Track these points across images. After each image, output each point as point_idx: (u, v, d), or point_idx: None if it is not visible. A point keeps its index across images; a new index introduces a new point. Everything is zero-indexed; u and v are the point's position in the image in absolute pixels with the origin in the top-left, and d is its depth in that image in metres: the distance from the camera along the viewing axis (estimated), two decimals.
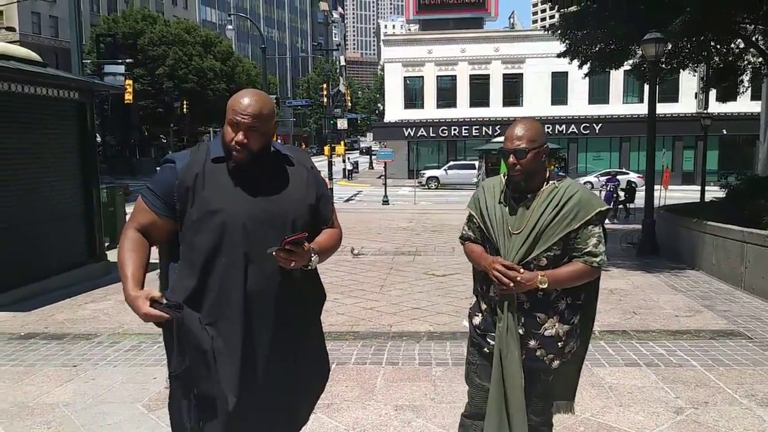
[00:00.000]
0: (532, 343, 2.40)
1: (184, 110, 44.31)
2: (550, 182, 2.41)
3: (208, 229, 2.08)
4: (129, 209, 12.52)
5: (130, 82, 23.71)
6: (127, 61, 24.34)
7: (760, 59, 13.37)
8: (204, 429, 2.10)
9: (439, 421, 3.76)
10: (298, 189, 2.21)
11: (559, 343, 2.39)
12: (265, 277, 2.10)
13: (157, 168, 2.58)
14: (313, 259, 2.12)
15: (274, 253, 2.02)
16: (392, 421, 3.76)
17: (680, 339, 5.40)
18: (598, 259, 2.34)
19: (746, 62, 14.56)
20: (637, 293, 7.41)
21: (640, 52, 13.08)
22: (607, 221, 2.66)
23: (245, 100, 2.09)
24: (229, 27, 28.07)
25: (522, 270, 2.30)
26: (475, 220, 2.59)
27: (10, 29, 37.92)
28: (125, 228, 2.21)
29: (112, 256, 9.48)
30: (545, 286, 2.29)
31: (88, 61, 20.49)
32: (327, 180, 25.08)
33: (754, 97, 29.72)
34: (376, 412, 3.89)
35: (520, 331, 2.38)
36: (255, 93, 2.15)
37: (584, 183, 31.94)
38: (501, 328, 2.38)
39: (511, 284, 2.28)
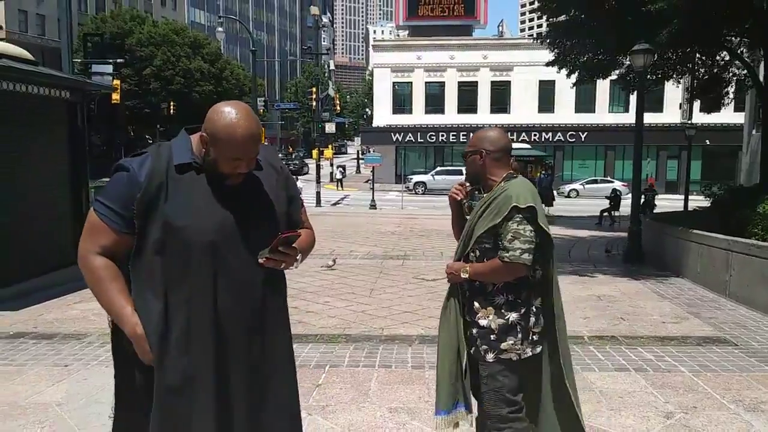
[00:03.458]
0: (474, 331, 2.57)
1: (171, 111, 44.07)
2: (500, 183, 2.58)
3: (173, 248, 1.89)
4: None
5: (118, 82, 23.60)
6: (119, 60, 24.14)
7: (745, 71, 13.62)
8: None
9: (434, 423, 3.78)
10: (268, 196, 2.05)
11: (492, 336, 2.51)
12: (236, 295, 1.94)
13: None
14: (298, 258, 2.02)
15: (264, 259, 1.92)
16: (387, 423, 3.79)
17: (668, 345, 5.49)
18: (507, 254, 2.43)
19: (731, 74, 14.82)
20: (624, 300, 7.51)
21: (627, 63, 13.28)
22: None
23: (245, 135, 1.87)
24: (219, 29, 27.96)
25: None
26: None
27: None
28: (83, 254, 1.94)
29: None
30: (466, 275, 2.54)
31: (78, 60, 20.34)
32: (315, 183, 24.68)
33: (737, 108, 30.18)
34: (371, 414, 3.92)
35: (467, 318, 2.61)
36: (247, 117, 1.89)
37: (569, 190, 32.19)
38: (444, 308, 2.68)
39: (447, 270, 2.63)
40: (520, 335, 2.51)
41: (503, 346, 2.50)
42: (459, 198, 2.70)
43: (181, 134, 2.05)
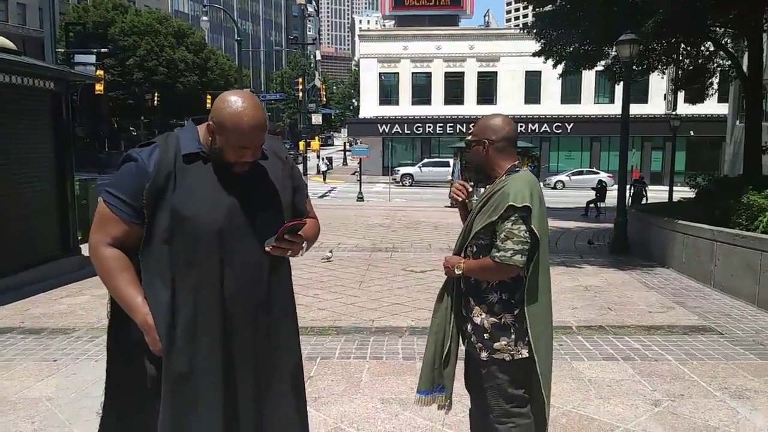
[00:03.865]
0: (469, 327, 2.55)
1: (155, 102, 43.63)
2: (503, 176, 2.49)
3: (181, 237, 1.91)
4: None
5: (102, 72, 23.27)
6: (102, 51, 23.80)
7: (728, 62, 13.74)
8: None
9: (425, 413, 3.80)
10: (274, 185, 2.08)
11: (485, 334, 2.47)
12: (242, 283, 1.97)
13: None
14: (303, 246, 2.06)
15: (271, 247, 1.94)
16: (379, 414, 3.82)
17: (654, 334, 5.57)
18: (498, 254, 2.35)
19: (715, 65, 14.94)
20: (611, 290, 7.58)
21: (613, 53, 13.35)
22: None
23: (251, 123, 1.90)
24: (204, 18, 27.77)
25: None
26: None
27: None
28: (94, 245, 1.97)
29: (86, 250, 9.34)
30: (459, 272, 2.50)
31: (60, 50, 20.04)
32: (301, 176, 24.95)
33: (721, 99, 30.39)
34: (363, 406, 3.94)
35: (463, 313, 2.59)
36: (254, 107, 1.92)
37: (556, 182, 32.26)
38: (438, 296, 2.67)
39: (444, 264, 2.58)
40: (513, 336, 2.45)
41: (496, 345, 2.46)
42: (461, 199, 2.63)
43: (188, 124, 2.08)
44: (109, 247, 1.95)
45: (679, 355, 4.95)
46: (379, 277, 8.36)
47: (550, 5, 13.92)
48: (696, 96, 18.49)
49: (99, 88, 22.86)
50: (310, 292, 7.36)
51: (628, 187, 20.70)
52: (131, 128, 50.57)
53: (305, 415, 2.21)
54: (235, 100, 1.91)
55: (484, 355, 2.49)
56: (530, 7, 15.43)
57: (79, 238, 9.64)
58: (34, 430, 3.60)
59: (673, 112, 25.72)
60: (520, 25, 18.66)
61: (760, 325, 5.89)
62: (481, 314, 2.48)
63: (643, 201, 20.42)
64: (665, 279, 8.31)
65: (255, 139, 1.93)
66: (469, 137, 2.57)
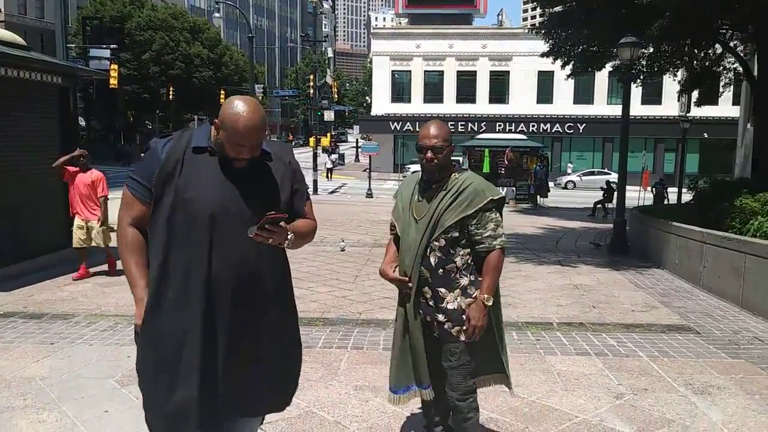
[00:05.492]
0: (441, 316, 2.78)
1: (170, 96, 44.11)
2: (453, 174, 2.81)
3: (180, 216, 2.17)
4: (112, 195, 12.46)
5: (115, 67, 23.64)
6: (113, 46, 24.16)
7: (736, 65, 13.71)
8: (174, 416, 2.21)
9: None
10: (272, 184, 2.30)
11: (463, 315, 2.75)
12: (228, 265, 2.19)
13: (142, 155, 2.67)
14: (289, 237, 2.23)
15: (253, 234, 2.14)
16: (351, 400, 4.00)
17: (632, 332, 5.69)
18: (497, 242, 2.75)
19: (722, 68, 14.90)
20: (600, 289, 7.70)
21: None
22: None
23: (247, 125, 2.13)
24: (216, 15, 28.01)
25: (408, 281, 2.79)
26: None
27: None
28: (120, 223, 2.30)
29: None
30: (490, 303, 2.73)
31: (74, 44, 20.40)
32: (312, 171, 24.67)
33: (735, 101, 30.01)
34: (337, 392, 4.13)
35: (431, 303, 2.80)
36: (252, 111, 2.15)
37: (566, 182, 32.17)
38: (400, 305, 2.92)
39: (475, 324, 2.74)
40: None
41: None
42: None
43: (204, 123, 2.38)
44: (130, 227, 2.26)
45: (652, 352, 5.08)
46: (374, 272, 8.51)
47: (560, 6, 13.98)
48: (706, 98, 18.41)
49: (113, 82, 23.25)
50: (305, 285, 7.55)
51: (650, 188, 20.80)
52: (147, 122, 51.13)
53: (279, 393, 2.42)
54: (236, 104, 2.17)
55: (463, 336, 2.75)
56: (540, 8, 15.48)
57: None
58: (25, 406, 3.83)
59: (686, 114, 25.58)
60: (534, 25, 18.62)
61: (739, 326, 5.98)
62: (455, 299, 2.76)
63: (665, 202, 20.46)
64: (657, 280, 8.41)
65: (249, 138, 2.16)
66: (441, 142, 2.74)
